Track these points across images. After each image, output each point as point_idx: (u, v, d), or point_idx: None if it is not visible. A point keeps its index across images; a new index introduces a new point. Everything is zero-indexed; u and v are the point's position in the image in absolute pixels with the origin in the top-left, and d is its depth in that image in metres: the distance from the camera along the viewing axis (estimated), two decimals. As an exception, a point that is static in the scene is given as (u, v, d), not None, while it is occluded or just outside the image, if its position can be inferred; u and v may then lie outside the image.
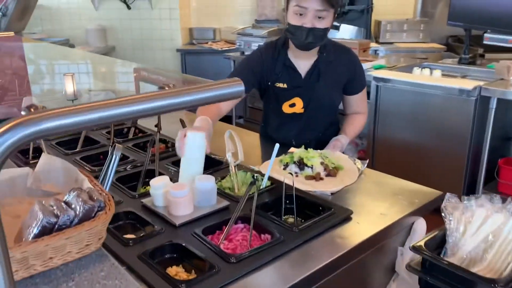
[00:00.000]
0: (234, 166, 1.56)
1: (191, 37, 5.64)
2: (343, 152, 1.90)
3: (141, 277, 1.05)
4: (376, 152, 3.42)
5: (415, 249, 1.17)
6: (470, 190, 3.04)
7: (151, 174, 1.57)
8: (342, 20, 4.38)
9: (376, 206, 1.44)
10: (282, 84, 1.95)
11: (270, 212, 1.37)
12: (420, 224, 1.44)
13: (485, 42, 3.30)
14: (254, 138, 2.15)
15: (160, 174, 1.57)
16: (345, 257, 1.19)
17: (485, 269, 1.09)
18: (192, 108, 0.64)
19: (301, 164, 1.65)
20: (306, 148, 1.74)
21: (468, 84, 2.92)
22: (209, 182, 1.37)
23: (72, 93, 2.55)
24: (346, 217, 1.34)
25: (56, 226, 0.97)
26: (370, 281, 1.41)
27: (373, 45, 4.27)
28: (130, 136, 2.08)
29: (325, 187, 1.54)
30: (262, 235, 1.26)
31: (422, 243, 1.18)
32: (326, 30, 1.82)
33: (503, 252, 1.10)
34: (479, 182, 3.02)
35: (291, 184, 1.40)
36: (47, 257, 0.95)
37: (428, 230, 1.43)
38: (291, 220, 1.39)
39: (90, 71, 3.79)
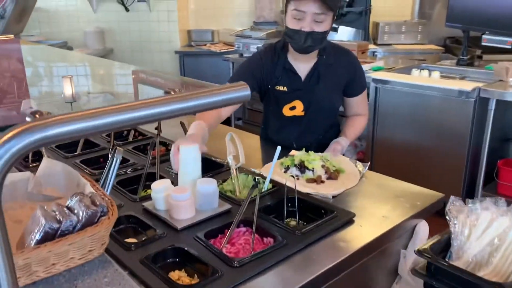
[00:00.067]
0: (236, 169, 1.56)
1: (189, 39, 5.64)
2: (343, 154, 1.90)
3: (144, 282, 1.04)
4: (375, 154, 3.42)
5: (420, 252, 1.16)
6: (469, 191, 3.04)
7: (151, 177, 1.56)
8: (341, 22, 4.39)
9: (378, 208, 1.44)
10: (282, 87, 1.94)
11: (272, 215, 1.36)
12: (423, 227, 1.44)
13: (483, 43, 3.31)
14: (254, 140, 2.14)
15: (161, 177, 1.56)
16: (348, 261, 1.19)
17: (491, 273, 1.08)
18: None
19: (302, 167, 1.64)
20: (306, 150, 1.74)
21: (467, 86, 2.93)
22: (211, 185, 1.37)
23: (71, 95, 2.55)
24: (348, 220, 1.34)
25: (59, 231, 0.96)
26: (373, 284, 1.40)
27: (372, 46, 4.28)
28: (130, 138, 2.07)
29: (326, 190, 1.54)
30: (265, 239, 1.26)
31: (427, 246, 1.17)
32: (325, 34, 1.81)
33: (509, 255, 1.09)
34: (478, 183, 3.02)
35: (293, 186, 1.39)
36: (49, 263, 0.94)
37: (430, 232, 1.43)
38: (293, 223, 1.39)
39: (88, 74, 3.78)
